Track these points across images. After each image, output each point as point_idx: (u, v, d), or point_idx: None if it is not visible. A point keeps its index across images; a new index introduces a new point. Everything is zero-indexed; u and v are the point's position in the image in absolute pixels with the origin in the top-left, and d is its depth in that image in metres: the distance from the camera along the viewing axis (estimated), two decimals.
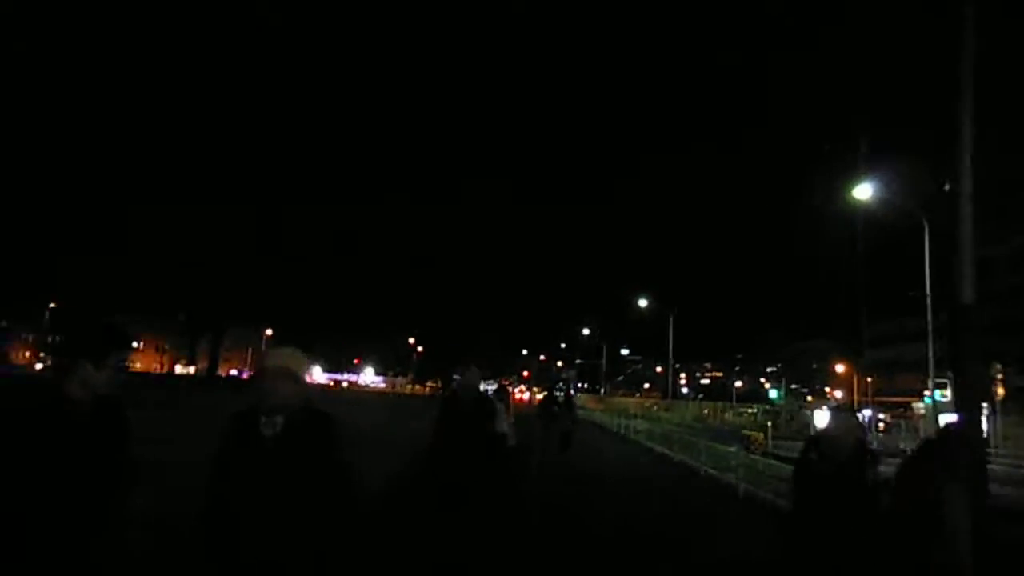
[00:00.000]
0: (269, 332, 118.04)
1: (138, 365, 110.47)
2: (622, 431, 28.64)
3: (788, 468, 11.74)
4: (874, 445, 33.61)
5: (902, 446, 28.46)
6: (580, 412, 54.03)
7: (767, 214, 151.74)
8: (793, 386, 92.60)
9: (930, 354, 21.98)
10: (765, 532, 8.88)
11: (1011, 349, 39.17)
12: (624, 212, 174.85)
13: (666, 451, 18.95)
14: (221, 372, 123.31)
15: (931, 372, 22.32)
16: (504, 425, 10.48)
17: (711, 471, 13.77)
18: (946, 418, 24.39)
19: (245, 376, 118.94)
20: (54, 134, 71.73)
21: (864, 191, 20.75)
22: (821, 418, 39.07)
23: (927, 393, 51.86)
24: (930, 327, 21.80)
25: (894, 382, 65.76)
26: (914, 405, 56.65)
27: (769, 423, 30.37)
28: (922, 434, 28.41)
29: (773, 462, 12.49)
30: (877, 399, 60.39)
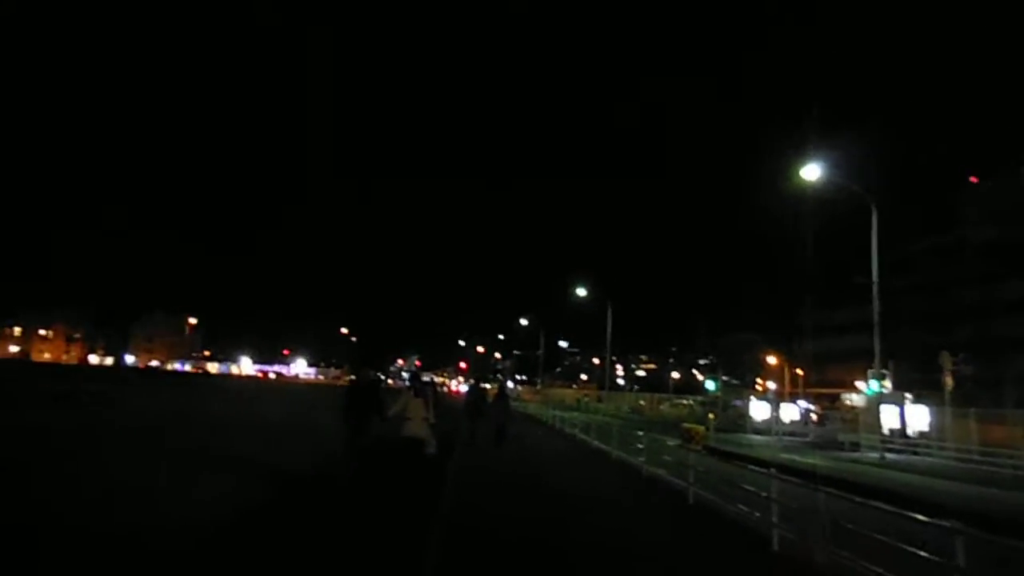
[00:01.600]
0: (193, 321, 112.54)
1: (46, 355, 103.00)
2: (558, 424, 27.11)
3: (742, 471, 10.39)
4: (810, 437, 33.21)
5: (840, 439, 27.93)
6: (516, 404, 52.47)
7: (705, 203, 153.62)
8: (724, 378, 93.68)
9: (876, 344, 21.15)
10: (734, 557, 7.28)
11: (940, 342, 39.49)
12: (562, 200, 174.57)
13: (603, 446, 17.45)
14: (140, 363, 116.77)
15: (877, 362, 21.53)
16: (417, 427, 8.67)
17: (653, 471, 12.30)
18: (890, 408, 23.55)
19: (171, 368, 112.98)
20: None
21: (812, 172, 19.71)
22: (757, 410, 38.68)
23: (862, 385, 52.55)
24: (876, 315, 20.95)
25: (825, 374, 66.77)
26: (843, 396, 57.50)
27: (711, 415, 29.37)
28: (860, 427, 27.87)
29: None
30: (808, 391, 61.02)
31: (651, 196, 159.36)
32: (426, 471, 9.25)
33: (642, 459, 13.15)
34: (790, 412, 37.20)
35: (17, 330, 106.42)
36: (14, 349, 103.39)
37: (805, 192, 20.57)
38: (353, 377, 11.13)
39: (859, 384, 55.09)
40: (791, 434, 33.73)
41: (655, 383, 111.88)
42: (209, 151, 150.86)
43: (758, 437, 31.89)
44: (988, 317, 43.02)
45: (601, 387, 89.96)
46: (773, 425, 35.88)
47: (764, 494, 8.05)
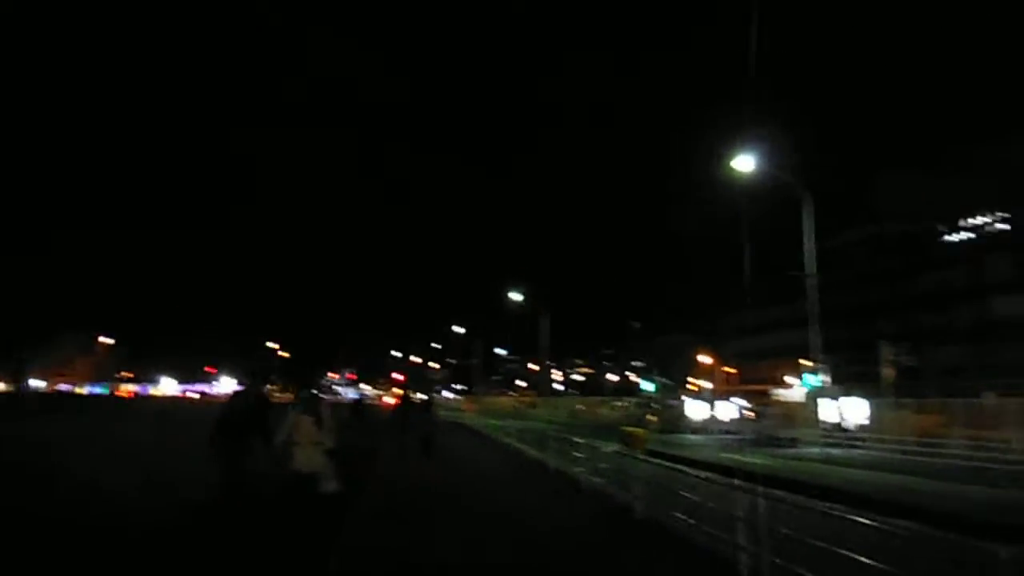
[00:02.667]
0: (108, 341, 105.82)
1: None
2: (493, 434, 25.77)
3: (687, 477, 9.34)
4: (747, 435, 33.00)
5: (781, 434, 27.63)
6: (451, 414, 50.85)
7: (634, 203, 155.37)
8: (659, 379, 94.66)
9: (817, 338, 20.75)
10: None
11: (869, 334, 40.29)
12: (494, 203, 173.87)
13: (540, 456, 16.17)
14: (47, 388, 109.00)
15: (819, 356, 21.15)
16: (308, 457, 6.73)
17: (595, 480, 11.14)
18: (827, 402, 23.22)
19: (83, 391, 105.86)
20: None
21: (745, 163, 19.14)
22: (694, 409, 38.42)
23: (793, 380, 53.37)
24: (814, 308, 20.54)
25: (756, 371, 67.94)
26: (773, 392, 58.44)
27: (650, 417, 28.63)
28: (797, 422, 27.65)
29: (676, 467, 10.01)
30: (739, 388, 61.82)
31: (578, 197, 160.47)
32: (316, 518, 6.99)
33: (581, 469, 11.98)
34: (727, 410, 37.06)
35: None
36: None
37: (736, 185, 20.06)
38: (238, 389, 8.68)
39: (789, 379, 56.14)
40: (729, 432, 33.47)
41: (592, 387, 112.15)
42: (118, 148, 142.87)
43: (697, 437, 31.42)
44: (912, 308, 44.32)
45: (540, 393, 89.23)
46: (711, 424, 35.65)
47: (711, 504, 7.32)
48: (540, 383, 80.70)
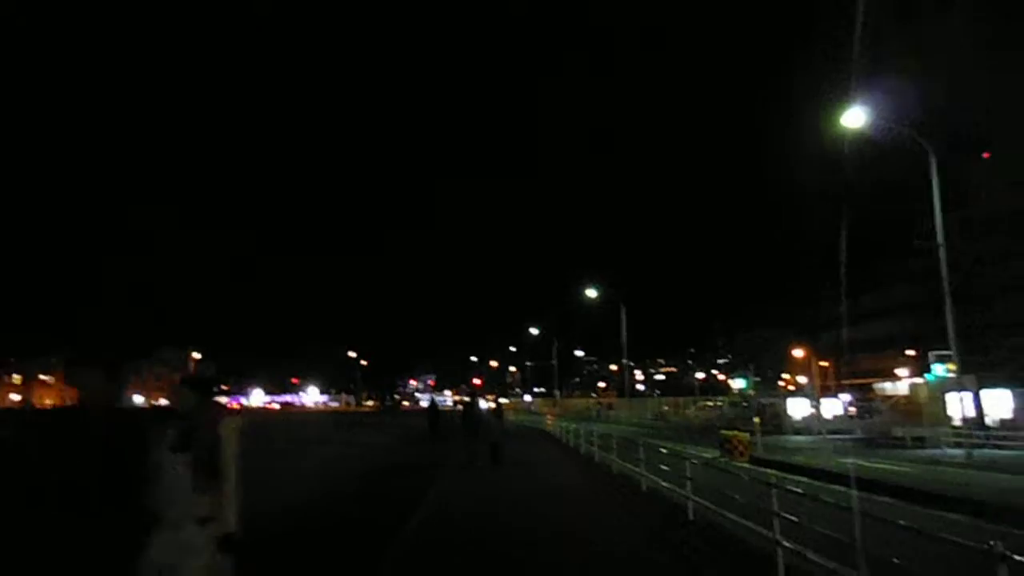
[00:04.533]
0: (197, 355, 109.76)
1: (47, 401, 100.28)
2: (572, 440, 23.52)
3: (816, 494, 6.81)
4: (858, 433, 29.55)
5: (901, 433, 24.34)
6: (529, 419, 48.78)
7: (717, 190, 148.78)
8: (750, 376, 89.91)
9: (949, 322, 17.61)
10: None
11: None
12: (563, 205, 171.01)
13: (631, 469, 13.53)
14: (146, 404, 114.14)
15: (953, 342, 17.97)
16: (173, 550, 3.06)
17: (706, 506, 8.76)
18: (956, 396, 19.92)
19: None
20: None
21: (857, 118, 16.26)
22: (795, 407, 35.03)
23: (907, 370, 48.63)
24: (947, 286, 17.41)
25: (856, 364, 62.92)
26: (877, 387, 53.59)
27: (758, 419, 25.71)
28: (916, 418, 24.24)
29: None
30: (839, 383, 57.14)
31: (655, 193, 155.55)
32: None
33: (684, 491, 9.44)
34: (831, 407, 33.59)
35: (17, 378, 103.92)
36: (15, 397, 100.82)
37: (843, 148, 17.16)
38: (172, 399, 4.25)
39: (899, 371, 51.31)
40: (836, 432, 30.17)
41: (675, 386, 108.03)
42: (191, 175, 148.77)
43: (800, 438, 28.31)
44: None
45: (621, 394, 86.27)
46: (814, 423, 32.30)
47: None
48: (622, 383, 77.80)
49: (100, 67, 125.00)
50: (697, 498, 8.27)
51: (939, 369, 21.34)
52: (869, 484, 11.94)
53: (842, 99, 16.24)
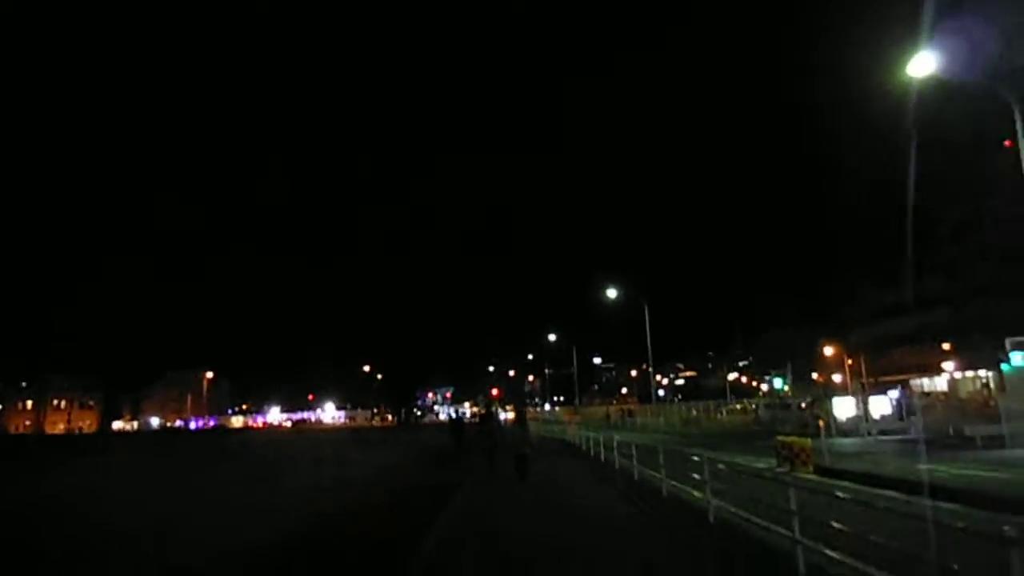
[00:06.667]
0: (209, 375, 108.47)
1: (60, 427, 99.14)
2: (593, 451, 21.19)
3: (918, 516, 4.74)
4: (912, 433, 27.04)
5: (968, 432, 21.85)
6: (550, 429, 46.28)
7: (728, 184, 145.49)
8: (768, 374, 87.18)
9: None
10: None
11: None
12: (577, 209, 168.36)
13: (688, 491, 10.92)
14: (161, 425, 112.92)
15: None
16: None
17: (799, 541, 6.57)
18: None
19: (192, 426, 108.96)
20: None
21: (926, 64, 13.99)
22: (841, 407, 32.50)
23: (948, 365, 45.64)
24: None
25: (887, 360, 60.07)
26: (913, 383, 50.74)
27: (821, 422, 23.27)
28: (1003, 415, 21.55)
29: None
30: (879, 379, 54.30)
31: (669, 194, 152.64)
32: None
33: (761, 521, 7.24)
34: (880, 406, 31.03)
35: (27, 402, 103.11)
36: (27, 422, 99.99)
37: (906, 103, 14.90)
38: None
39: (945, 365, 48.42)
40: (886, 432, 27.67)
41: (695, 390, 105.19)
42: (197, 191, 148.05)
43: (849, 441, 25.83)
44: None
45: (643, 400, 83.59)
46: (861, 424, 29.82)
47: None
48: (642, 389, 75.29)
49: (96, 81, 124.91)
50: (806, 540, 5.86)
51: (1017, 358, 18.87)
52: (973, 497, 9.70)
53: (897, 59, 14.00)
